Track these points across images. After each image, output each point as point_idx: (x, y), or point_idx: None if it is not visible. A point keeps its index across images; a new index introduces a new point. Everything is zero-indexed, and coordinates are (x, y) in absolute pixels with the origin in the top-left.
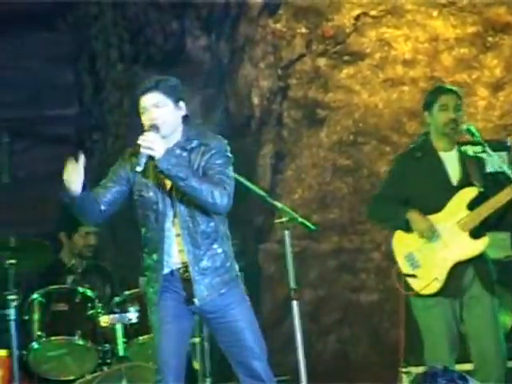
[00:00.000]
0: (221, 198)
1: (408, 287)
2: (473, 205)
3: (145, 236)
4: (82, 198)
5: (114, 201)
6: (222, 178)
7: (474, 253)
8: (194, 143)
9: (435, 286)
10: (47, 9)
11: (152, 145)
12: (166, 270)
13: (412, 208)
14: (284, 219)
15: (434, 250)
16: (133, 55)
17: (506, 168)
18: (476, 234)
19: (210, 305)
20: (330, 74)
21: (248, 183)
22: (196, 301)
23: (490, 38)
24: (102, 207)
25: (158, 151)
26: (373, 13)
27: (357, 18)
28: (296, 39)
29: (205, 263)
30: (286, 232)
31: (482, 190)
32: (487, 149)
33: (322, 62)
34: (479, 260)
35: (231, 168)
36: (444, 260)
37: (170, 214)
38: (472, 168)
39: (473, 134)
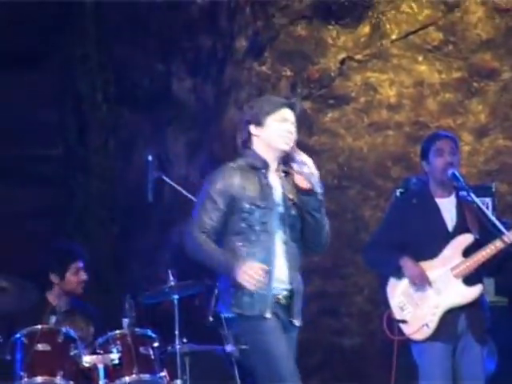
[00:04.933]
0: (327, 237)
1: (399, 332)
2: (468, 252)
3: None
4: None
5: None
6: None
7: (466, 300)
8: None
9: (425, 332)
10: (32, 49)
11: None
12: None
13: (407, 254)
14: None
15: (426, 296)
16: (118, 97)
17: (491, 216)
18: (470, 281)
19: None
20: (314, 117)
21: None
22: (295, 322)
23: (475, 84)
24: None
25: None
26: (358, 57)
27: (342, 61)
28: (281, 82)
29: (297, 286)
30: None
31: (477, 237)
32: (471, 194)
33: (306, 105)
34: (474, 308)
35: None
36: (436, 307)
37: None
38: (468, 215)
39: (457, 180)
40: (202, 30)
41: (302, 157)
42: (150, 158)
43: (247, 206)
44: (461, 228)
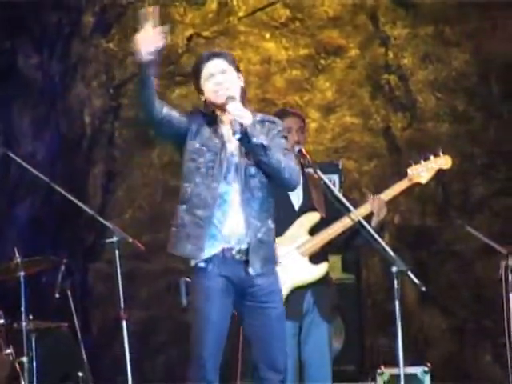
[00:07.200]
0: (294, 173)
1: None
2: (314, 230)
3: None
4: (149, 68)
5: (171, 121)
6: (290, 156)
7: (312, 278)
8: (258, 117)
9: None
10: None
11: (243, 112)
12: (218, 249)
13: None
14: (114, 239)
15: None
16: None
17: (338, 193)
18: (316, 259)
19: (258, 279)
20: (162, 93)
21: (78, 202)
22: (251, 270)
23: (322, 61)
24: (161, 111)
25: (248, 119)
26: (205, 33)
27: (189, 38)
28: (128, 59)
29: (261, 235)
30: (116, 252)
31: (323, 215)
32: (318, 171)
33: (154, 81)
34: (320, 286)
35: None
36: (282, 284)
37: (231, 180)
38: (315, 193)
39: (303, 157)
40: (47, 6)
41: (240, 109)
42: None
43: (197, 146)
44: (307, 206)
